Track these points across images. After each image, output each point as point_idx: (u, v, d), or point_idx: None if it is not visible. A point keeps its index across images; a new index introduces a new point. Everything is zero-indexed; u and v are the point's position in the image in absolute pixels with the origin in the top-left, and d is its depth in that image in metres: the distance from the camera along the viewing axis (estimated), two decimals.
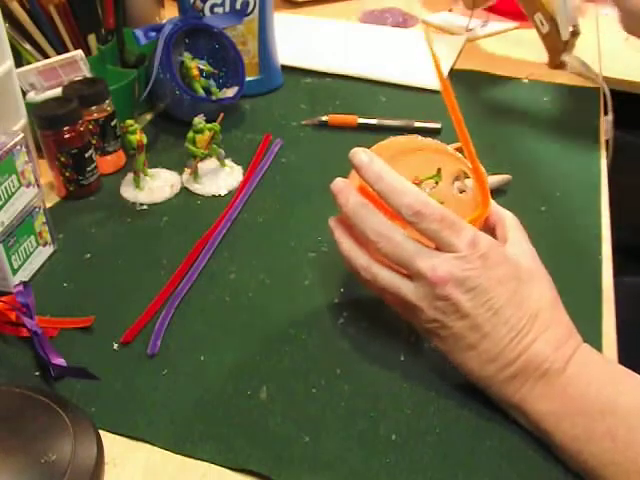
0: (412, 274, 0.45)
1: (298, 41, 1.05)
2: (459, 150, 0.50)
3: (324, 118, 0.83)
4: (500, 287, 0.44)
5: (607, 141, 0.82)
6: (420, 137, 0.51)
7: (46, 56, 0.76)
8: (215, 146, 0.71)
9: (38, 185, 0.59)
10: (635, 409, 0.41)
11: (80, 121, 0.67)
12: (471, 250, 0.43)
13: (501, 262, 0.44)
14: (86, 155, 0.69)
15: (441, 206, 0.44)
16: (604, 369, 0.44)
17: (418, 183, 0.50)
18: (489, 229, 0.49)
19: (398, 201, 0.44)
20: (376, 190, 0.45)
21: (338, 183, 0.47)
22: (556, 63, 0.98)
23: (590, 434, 0.41)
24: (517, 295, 0.44)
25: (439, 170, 0.50)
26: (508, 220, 0.49)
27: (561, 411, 0.42)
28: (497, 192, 0.69)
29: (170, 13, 0.90)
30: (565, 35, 0.95)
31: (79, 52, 0.73)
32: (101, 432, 0.45)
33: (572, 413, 0.42)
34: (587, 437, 0.41)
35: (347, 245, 0.48)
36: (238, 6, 0.85)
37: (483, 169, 0.48)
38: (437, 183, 0.51)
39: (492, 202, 0.49)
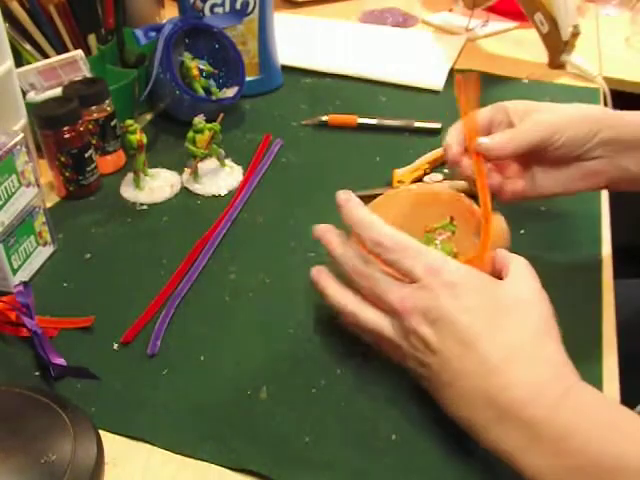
0: (387, 309, 0.45)
1: (298, 41, 1.04)
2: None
3: (324, 118, 0.83)
4: (468, 317, 0.41)
5: None
6: (434, 184, 0.53)
7: (46, 56, 0.76)
8: (215, 146, 0.71)
9: (38, 185, 0.59)
10: None
11: (80, 121, 0.67)
12: (431, 278, 0.42)
13: (472, 290, 0.42)
14: (86, 155, 0.69)
15: (409, 239, 0.45)
16: (606, 416, 0.39)
17: (429, 231, 0.51)
18: (496, 274, 0.46)
19: (364, 234, 0.46)
20: (349, 225, 0.47)
21: (320, 227, 0.50)
22: (556, 63, 0.98)
23: None
24: (491, 327, 0.41)
25: (452, 218, 0.51)
26: (515, 261, 0.46)
27: (559, 467, 0.37)
28: None
29: (170, 13, 0.90)
30: (565, 35, 0.95)
31: (79, 52, 0.73)
32: (101, 432, 0.45)
33: (572, 470, 0.37)
34: None
35: (332, 289, 0.48)
36: (238, 6, 0.85)
37: (492, 217, 0.49)
38: (453, 233, 0.52)
39: (502, 250, 0.47)
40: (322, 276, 0.50)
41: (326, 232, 0.49)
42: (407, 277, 0.44)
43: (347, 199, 0.48)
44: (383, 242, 0.44)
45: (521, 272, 0.45)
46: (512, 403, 0.39)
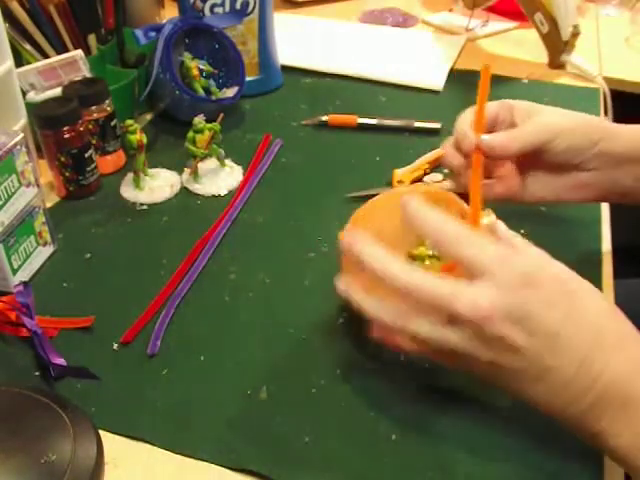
0: (452, 318, 0.39)
1: (298, 41, 1.04)
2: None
3: (324, 118, 0.83)
4: (551, 307, 0.38)
5: None
6: (427, 182, 0.52)
7: (46, 56, 0.76)
8: (215, 146, 0.71)
9: (38, 185, 0.59)
10: None
11: (80, 121, 0.67)
12: (503, 269, 0.38)
13: (548, 280, 0.39)
14: (86, 155, 0.69)
15: (462, 228, 0.40)
16: None
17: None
18: None
19: (425, 228, 0.41)
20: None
21: (347, 236, 0.42)
22: (556, 63, 0.98)
23: None
24: (573, 313, 0.39)
25: None
26: (518, 241, 0.43)
27: None
28: None
29: (170, 13, 0.90)
30: (565, 35, 0.95)
31: (79, 52, 0.73)
32: (101, 432, 0.45)
33: None
34: None
35: (373, 305, 0.41)
36: (238, 6, 0.85)
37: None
38: None
39: (501, 228, 0.44)
40: (352, 291, 0.43)
41: (355, 240, 0.42)
42: (471, 270, 0.39)
43: (407, 203, 0.42)
44: (446, 234, 0.39)
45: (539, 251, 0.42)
46: (611, 385, 0.38)
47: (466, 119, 0.54)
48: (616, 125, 0.56)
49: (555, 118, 0.54)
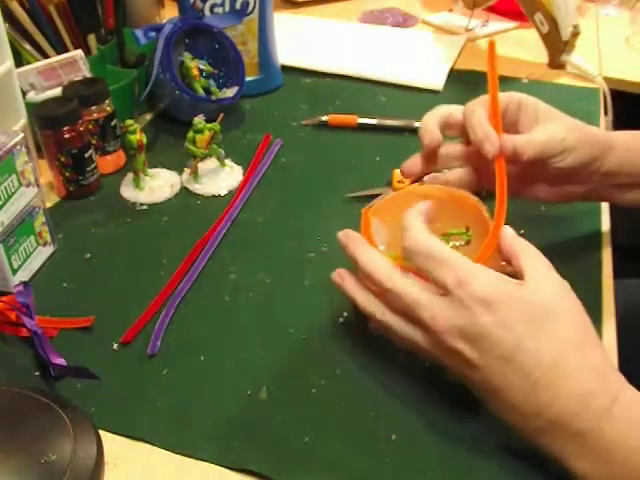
0: (417, 323, 0.43)
1: (298, 41, 1.04)
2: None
3: (324, 118, 0.83)
4: (507, 332, 0.39)
5: None
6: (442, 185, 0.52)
7: (46, 56, 0.76)
8: (215, 146, 0.71)
9: (38, 185, 0.59)
10: None
11: (80, 121, 0.67)
12: (462, 292, 0.40)
13: (507, 304, 0.40)
14: (86, 155, 0.69)
15: (442, 246, 0.43)
16: None
17: (445, 235, 0.50)
18: (503, 266, 0.45)
19: (402, 241, 0.44)
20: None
21: (344, 233, 0.48)
22: (556, 63, 0.98)
23: None
24: (531, 339, 0.39)
25: (467, 228, 0.50)
26: (524, 250, 0.44)
27: (607, 475, 0.38)
28: None
29: (170, 13, 0.90)
30: (565, 35, 0.95)
31: (79, 52, 0.73)
32: (101, 432, 0.45)
33: (618, 476, 0.38)
34: None
35: (359, 294, 0.47)
36: (238, 6, 0.85)
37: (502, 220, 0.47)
38: (467, 243, 0.50)
39: (508, 234, 0.45)
40: (347, 282, 0.48)
41: (349, 239, 0.47)
42: (438, 286, 0.42)
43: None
44: (418, 250, 0.43)
45: (539, 268, 0.43)
46: (560, 415, 0.39)
47: (477, 114, 0.52)
48: (609, 135, 0.56)
49: (564, 133, 0.52)
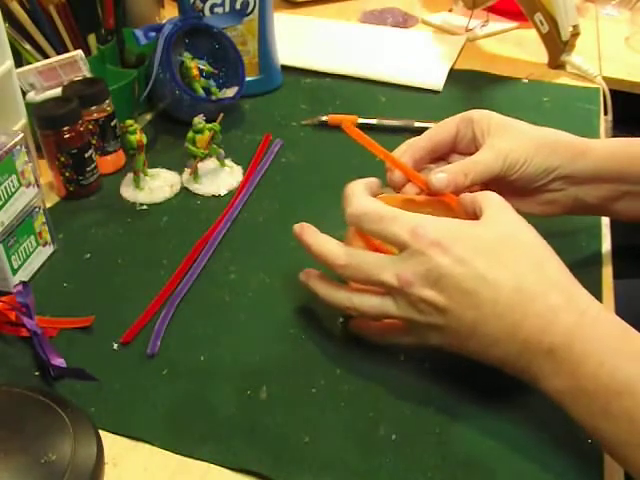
0: (384, 289, 0.45)
1: (298, 41, 1.04)
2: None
3: (324, 118, 0.83)
4: (465, 267, 0.42)
5: None
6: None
7: (46, 56, 0.76)
8: (215, 146, 0.71)
9: (38, 185, 0.59)
10: None
11: (80, 121, 0.67)
12: (417, 241, 0.42)
13: (459, 240, 0.42)
14: (86, 155, 0.69)
15: (381, 206, 0.45)
16: (619, 344, 0.40)
17: None
18: (471, 217, 0.47)
19: (346, 209, 0.46)
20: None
21: (298, 225, 0.50)
22: (556, 63, 0.98)
23: (607, 414, 0.39)
24: (490, 270, 0.42)
25: None
26: (485, 197, 0.46)
27: (575, 389, 0.40)
28: None
29: (170, 13, 0.90)
30: (565, 35, 0.95)
31: (79, 52, 0.73)
32: (101, 432, 0.45)
33: (587, 392, 0.39)
34: (604, 416, 0.39)
35: (323, 288, 0.49)
36: (238, 6, 0.85)
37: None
38: None
39: (467, 194, 0.48)
40: (311, 279, 0.50)
41: (303, 230, 0.50)
42: (394, 245, 0.44)
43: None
44: (367, 212, 0.45)
45: (495, 205, 0.45)
46: (531, 334, 0.41)
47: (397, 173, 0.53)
48: (581, 143, 0.54)
49: (511, 143, 0.52)
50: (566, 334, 0.40)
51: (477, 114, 0.54)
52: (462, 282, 0.42)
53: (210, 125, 0.70)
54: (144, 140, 0.69)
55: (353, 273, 0.46)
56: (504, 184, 0.53)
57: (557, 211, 0.57)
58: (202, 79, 0.81)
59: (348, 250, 0.46)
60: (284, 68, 0.94)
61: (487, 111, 0.55)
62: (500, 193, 0.55)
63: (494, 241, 0.43)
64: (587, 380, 0.39)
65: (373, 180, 0.50)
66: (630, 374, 0.38)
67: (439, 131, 0.55)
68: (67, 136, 0.66)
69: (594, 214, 0.58)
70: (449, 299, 0.42)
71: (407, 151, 0.54)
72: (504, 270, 0.42)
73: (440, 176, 0.50)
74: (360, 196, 0.47)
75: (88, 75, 0.74)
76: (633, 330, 0.41)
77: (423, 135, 0.55)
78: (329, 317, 0.55)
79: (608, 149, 0.55)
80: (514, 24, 1.12)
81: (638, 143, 0.55)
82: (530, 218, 0.56)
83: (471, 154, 0.53)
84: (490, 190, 0.55)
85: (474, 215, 0.47)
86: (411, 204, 0.52)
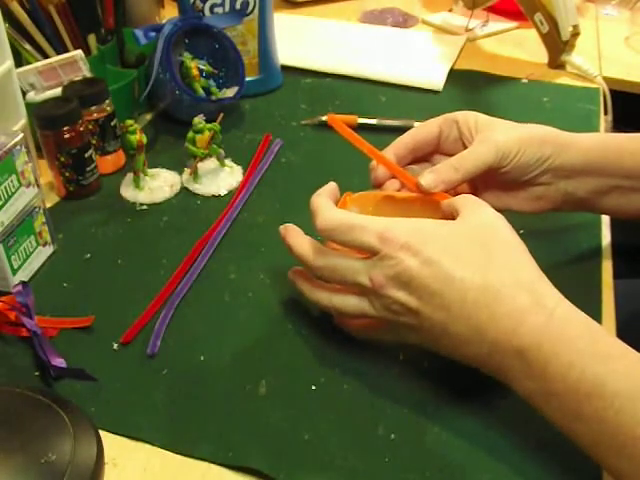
0: (361, 291, 0.46)
1: (298, 41, 1.04)
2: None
3: (324, 118, 0.83)
4: (432, 268, 0.42)
5: None
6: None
7: (46, 56, 0.76)
8: (215, 146, 0.71)
9: (38, 185, 0.59)
10: (624, 391, 0.38)
11: (80, 121, 0.67)
12: (386, 245, 0.43)
13: (427, 242, 0.43)
14: (86, 155, 0.69)
15: (354, 216, 0.46)
16: (588, 345, 0.39)
17: None
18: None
19: (315, 225, 0.47)
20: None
21: (283, 227, 0.51)
22: (556, 63, 0.98)
23: (578, 415, 0.39)
24: (457, 269, 0.42)
25: None
26: (461, 199, 0.47)
27: (546, 391, 0.40)
28: None
29: (170, 13, 0.90)
30: (565, 35, 0.95)
31: (79, 52, 0.73)
32: (101, 432, 0.45)
33: (557, 393, 0.39)
34: (575, 417, 0.39)
35: (306, 288, 0.50)
36: (238, 6, 0.85)
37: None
38: None
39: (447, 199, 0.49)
40: (296, 277, 0.51)
41: (287, 231, 0.51)
42: (367, 252, 0.45)
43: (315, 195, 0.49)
44: (335, 226, 0.46)
45: (470, 205, 0.46)
46: (499, 335, 0.41)
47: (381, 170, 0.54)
48: (569, 136, 0.54)
49: (501, 136, 0.52)
50: (534, 335, 0.40)
51: (461, 115, 0.55)
52: (431, 283, 0.42)
53: (210, 125, 0.70)
54: (144, 140, 0.69)
55: (329, 275, 0.47)
56: (494, 179, 0.53)
57: (546, 207, 0.56)
58: (202, 79, 0.81)
59: (325, 252, 0.47)
60: (284, 68, 0.94)
61: (472, 112, 0.55)
62: (489, 189, 0.55)
63: (465, 239, 0.43)
64: (557, 382, 0.39)
65: (332, 186, 0.51)
66: (599, 375, 0.38)
67: (422, 130, 0.56)
68: (67, 136, 0.66)
69: (583, 210, 0.58)
70: (419, 300, 0.43)
71: (389, 148, 0.55)
72: (472, 269, 0.42)
73: (428, 177, 0.50)
74: (325, 210, 0.47)
75: (88, 75, 0.74)
76: (602, 330, 0.41)
77: (406, 133, 0.56)
78: (329, 317, 0.55)
79: (597, 142, 0.55)
80: (514, 24, 1.12)
81: (627, 137, 0.55)
82: (529, 216, 0.57)
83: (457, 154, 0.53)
84: (479, 187, 0.55)
85: (452, 218, 0.47)
86: (391, 200, 0.52)
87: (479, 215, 0.45)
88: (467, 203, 0.46)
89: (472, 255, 0.43)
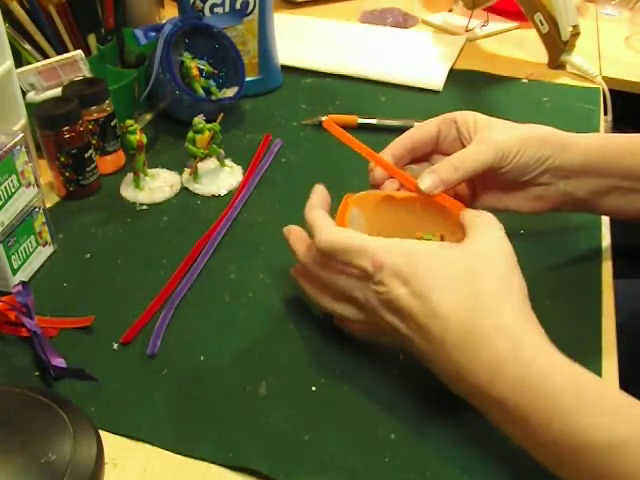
0: (358, 304, 0.47)
1: (298, 41, 1.04)
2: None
3: (324, 118, 0.83)
4: (419, 301, 0.42)
5: None
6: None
7: (46, 56, 0.76)
8: (215, 146, 0.71)
9: (38, 185, 0.59)
10: (611, 442, 0.36)
11: (80, 121, 0.67)
12: (379, 272, 0.43)
13: (416, 271, 0.42)
14: (86, 155, 0.69)
15: (353, 237, 0.46)
16: (568, 396, 0.38)
17: (419, 239, 0.50)
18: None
19: (314, 242, 0.47)
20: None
21: (287, 229, 0.53)
22: (556, 63, 0.98)
23: (562, 464, 0.39)
24: (444, 306, 0.41)
25: (442, 237, 0.50)
26: (473, 221, 0.46)
27: (528, 439, 0.40)
28: None
29: (170, 13, 0.90)
30: (565, 35, 0.95)
31: (79, 52, 0.73)
32: (101, 432, 0.45)
33: (539, 443, 0.39)
34: (559, 465, 0.39)
35: (309, 290, 0.51)
36: (238, 6, 0.85)
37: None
38: None
39: (467, 210, 0.48)
40: (300, 278, 0.52)
41: (290, 236, 0.52)
42: (363, 273, 0.45)
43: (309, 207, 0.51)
44: (332, 247, 0.46)
45: (480, 227, 0.45)
46: (478, 381, 0.40)
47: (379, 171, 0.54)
48: (569, 136, 0.54)
49: (501, 135, 0.52)
50: (512, 389, 0.39)
51: (460, 114, 0.55)
52: (417, 316, 0.42)
53: (210, 125, 0.70)
54: (144, 140, 0.69)
55: (329, 284, 0.48)
56: (494, 179, 0.53)
57: (546, 207, 0.56)
58: (202, 79, 0.81)
59: (326, 264, 0.48)
60: (284, 68, 0.94)
61: (471, 112, 0.55)
62: (488, 189, 0.55)
63: (458, 271, 0.42)
64: (538, 434, 0.38)
65: (321, 193, 0.52)
66: (580, 428, 0.37)
67: (420, 130, 0.56)
68: (67, 136, 0.66)
69: (583, 210, 0.57)
70: (408, 329, 0.43)
71: (388, 149, 0.55)
72: (457, 308, 0.41)
73: (427, 180, 0.50)
74: (323, 230, 0.47)
75: (88, 75, 0.74)
76: (583, 377, 0.39)
77: (404, 134, 0.56)
78: (329, 317, 0.55)
79: (597, 143, 0.55)
80: (514, 24, 1.12)
81: (627, 138, 0.55)
82: (529, 216, 0.57)
83: None
84: (478, 187, 0.55)
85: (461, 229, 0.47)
86: (391, 200, 0.52)
87: (482, 242, 0.44)
88: (477, 225, 0.45)
89: (461, 292, 0.42)
